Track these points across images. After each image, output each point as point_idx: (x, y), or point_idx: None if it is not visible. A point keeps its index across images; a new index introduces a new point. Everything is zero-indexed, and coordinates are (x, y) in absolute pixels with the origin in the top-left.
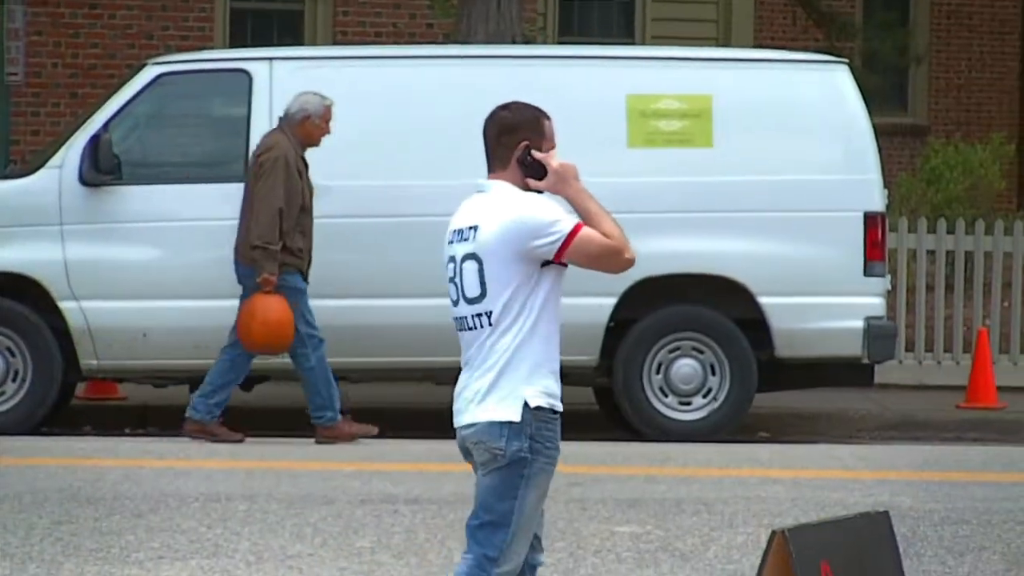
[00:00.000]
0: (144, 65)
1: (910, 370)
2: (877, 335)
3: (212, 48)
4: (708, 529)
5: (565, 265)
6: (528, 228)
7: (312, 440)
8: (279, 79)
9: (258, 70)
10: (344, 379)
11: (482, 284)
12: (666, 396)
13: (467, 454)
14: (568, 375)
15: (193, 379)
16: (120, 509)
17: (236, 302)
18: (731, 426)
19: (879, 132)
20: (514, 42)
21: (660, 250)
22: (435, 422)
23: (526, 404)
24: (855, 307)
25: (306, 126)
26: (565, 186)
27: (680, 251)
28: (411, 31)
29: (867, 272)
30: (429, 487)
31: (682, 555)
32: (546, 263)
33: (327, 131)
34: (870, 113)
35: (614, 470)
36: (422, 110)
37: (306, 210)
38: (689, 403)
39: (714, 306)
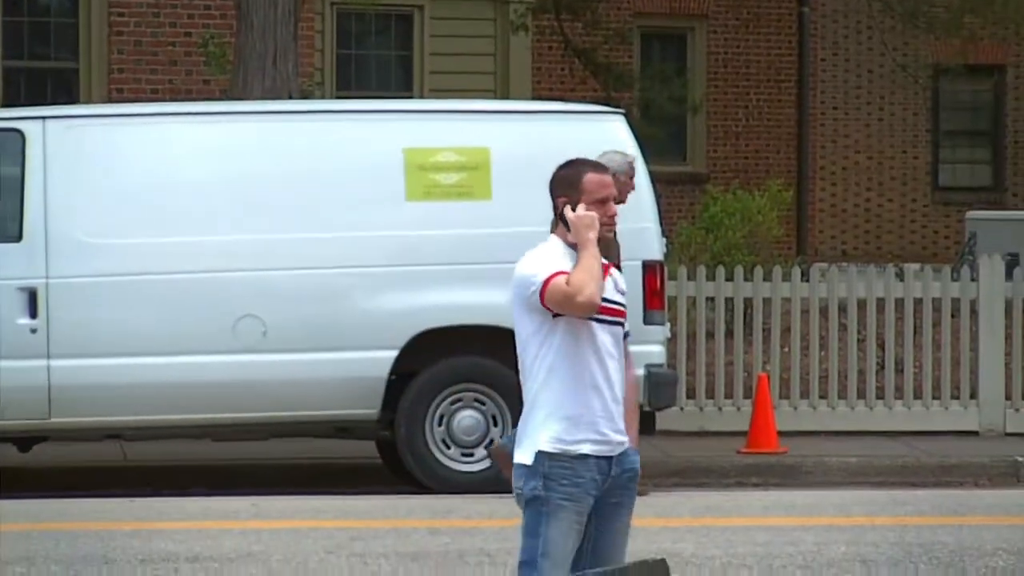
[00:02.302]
0: None
1: (691, 417)
2: (658, 383)
3: None
4: None
5: (596, 319)
6: (520, 281)
7: None
8: (52, 138)
9: (31, 129)
10: (118, 437)
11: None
12: (448, 448)
13: None
14: (350, 428)
15: None
16: None
17: (9, 363)
18: None
19: (658, 181)
20: (291, 97)
21: (440, 302)
22: (213, 479)
23: (539, 449)
24: (636, 355)
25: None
26: (578, 236)
27: (460, 303)
28: (188, 88)
29: (647, 320)
30: (209, 544)
31: None
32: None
33: (632, 187)
34: (648, 162)
35: (397, 523)
36: (199, 167)
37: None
38: (471, 454)
39: (495, 357)
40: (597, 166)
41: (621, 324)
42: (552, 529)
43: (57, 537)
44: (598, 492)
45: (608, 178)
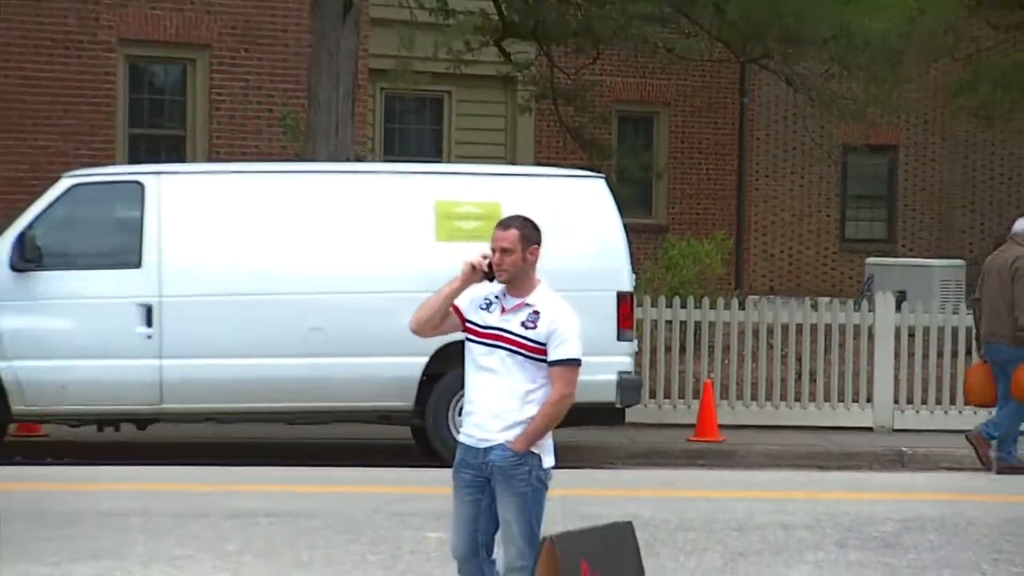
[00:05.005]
0: (60, 178)
1: (652, 412)
2: (627, 386)
3: (114, 164)
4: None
5: (469, 339)
6: None
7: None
8: (165, 188)
9: (149, 182)
10: (214, 420)
11: None
12: None
13: None
14: (391, 416)
15: (102, 420)
16: (44, 523)
17: (131, 361)
18: None
19: (629, 230)
20: (348, 160)
21: None
22: (287, 453)
23: None
24: (610, 364)
25: None
26: None
27: None
28: (269, 151)
29: (619, 337)
30: (285, 504)
31: None
32: None
33: None
34: (622, 215)
35: (426, 490)
36: (278, 211)
37: None
38: None
39: None
40: (502, 223)
41: (509, 351)
42: None
43: (167, 495)
44: (475, 473)
45: (502, 234)
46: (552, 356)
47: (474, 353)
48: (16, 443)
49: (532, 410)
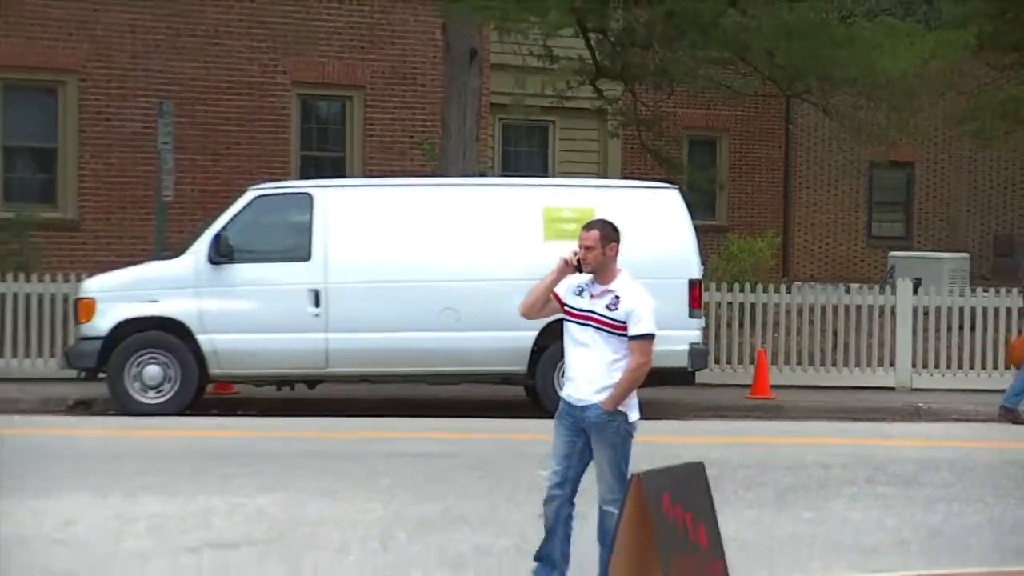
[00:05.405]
0: (247, 190)
1: (717, 375)
2: (697, 353)
3: (288, 179)
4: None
5: (567, 319)
6: None
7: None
8: (331, 199)
9: (317, 193)
10: (368, 380)
11: None
12: None
13: None
14: (510, 379)
15: (281, 381)
16: (234, 462)
17: (303, 334)
18: None
19: (697, 230)
20: (474, 175)
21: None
22: (428, 407)
23: None
24: (683, 337)
25: None
26: None
27: None
28: (412, 170)
29: (690, 315)
30: (425, 447)
31: (583, 490)
32: None
33: None
34: (692, 218)
35: (538, 436)
36: (420, 215)
37: None
38: None
39: None
40: (586, 226)
41: (597, 328)
42: None
43: (333, 441)
44: (572, 422)
45: (586, 234)
46: (631, 332)
47: (571, 330)
48: (213, 399)
49: (618, 376)
